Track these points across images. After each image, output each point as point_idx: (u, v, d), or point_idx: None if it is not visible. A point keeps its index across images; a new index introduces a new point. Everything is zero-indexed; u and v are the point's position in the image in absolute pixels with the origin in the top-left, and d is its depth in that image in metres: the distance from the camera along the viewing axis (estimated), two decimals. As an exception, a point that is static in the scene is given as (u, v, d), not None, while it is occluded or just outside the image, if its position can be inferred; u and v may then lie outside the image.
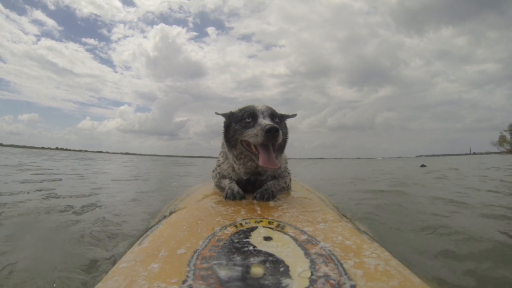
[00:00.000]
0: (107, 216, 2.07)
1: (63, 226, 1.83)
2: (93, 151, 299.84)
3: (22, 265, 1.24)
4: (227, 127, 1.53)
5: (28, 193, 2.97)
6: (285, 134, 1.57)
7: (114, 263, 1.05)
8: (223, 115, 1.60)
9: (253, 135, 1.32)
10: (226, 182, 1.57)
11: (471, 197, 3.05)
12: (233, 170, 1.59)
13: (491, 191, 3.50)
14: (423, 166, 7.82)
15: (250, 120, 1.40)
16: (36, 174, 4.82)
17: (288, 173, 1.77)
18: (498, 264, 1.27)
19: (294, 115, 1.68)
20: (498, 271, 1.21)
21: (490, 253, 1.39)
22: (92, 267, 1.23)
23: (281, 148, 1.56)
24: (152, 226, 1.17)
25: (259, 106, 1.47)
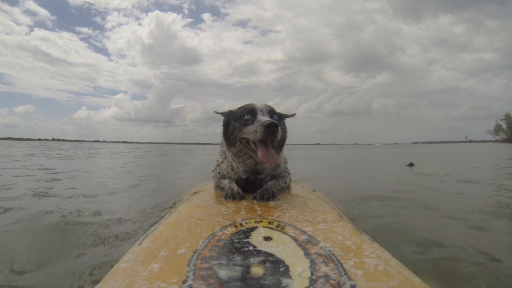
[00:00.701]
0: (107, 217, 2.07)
1: (65, 227, 1.83)
2: (90, 141, 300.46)
3: (22, 264, 1.24)
4: (226, 125, 1.53)
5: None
6: (284, 132, 1.57)
7: (114, 263, 1.05)
8: (222, 113, 1.60)
9: (252, 131, 1.32)
10: (225, 182, 1.57)
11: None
12: (232, 169, 1.59)
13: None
14: (411, 165, 6.67)
15: (249, 117, 1.41)
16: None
17: (288, 173, 1.77)
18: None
19: (293, 115, 1.69)
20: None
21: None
22: (92, 267, 1.23)
23: (280, 146, 1.56)
24: (152, 226, 1.17)
25: (258, 104, 1.47)
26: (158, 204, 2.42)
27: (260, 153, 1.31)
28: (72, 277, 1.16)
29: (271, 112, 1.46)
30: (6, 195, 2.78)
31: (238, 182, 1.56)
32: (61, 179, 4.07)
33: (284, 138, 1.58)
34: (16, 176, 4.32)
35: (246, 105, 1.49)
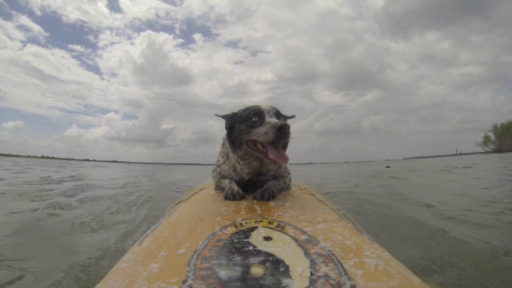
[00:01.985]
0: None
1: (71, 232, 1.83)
2: (80, 159, 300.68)
3: (22, 264, 1.24)
4: (231, 128, 1.51)
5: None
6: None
7: (114, 263, 1.05)
8: (224, 116, 1.57)
9: (262, 133, 1.30)
10: (226, 182, 1.56)
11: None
12: (234, 170, 1.58)
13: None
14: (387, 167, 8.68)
15: (256, 119, 1.39)
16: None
17: (288, 173, 1.77)
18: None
19: (293, 116, 1.68)
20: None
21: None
22: (92, 268, 1.23)
23: (285, 147, 1.55)
24: (152, 226, 1.17)
25: (264, 105, 1.46)
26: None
27: (272, 154, 1.30)
28: (72, 277, 1.16)
29: (278, 114, 1.45)
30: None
31: (239, 183, 1.56)
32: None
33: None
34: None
35: (251, 107, 1.46)
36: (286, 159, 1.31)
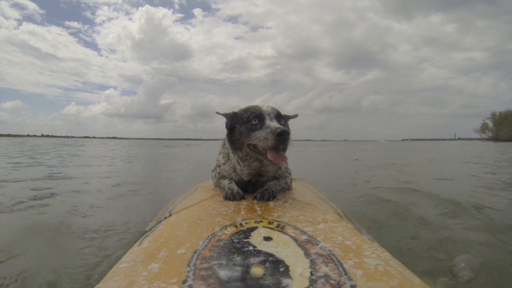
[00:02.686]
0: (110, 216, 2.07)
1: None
2: (80, 137, 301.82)
3: (23, 264, 1.24)
4: (231, 128, 1.49)
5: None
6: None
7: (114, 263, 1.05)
8: (225, 115, 1.55)
9: (262, 138, 1.30)
10: (225, 182, 1.56)
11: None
12: (234, 171, 1.58)
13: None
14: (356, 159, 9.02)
15: (256, 122, 1.37)
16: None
17: (289, 173, 1.76)
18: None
19: (295, 116, 1.66)
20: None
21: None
22: (92, 267, 1.23)
23: (284, 150, 1.55)
24: (152, 227, 1.17)
25: (265, 107, 1.44)
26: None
27: (270, 155, 1.30)
28: (72, 277, 1.16)
29: (278, 116, 1.44)
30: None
31: (239, 183, 1.55)
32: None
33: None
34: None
35: (252, 108, 1.44)
36: (284, 159, 1.32)
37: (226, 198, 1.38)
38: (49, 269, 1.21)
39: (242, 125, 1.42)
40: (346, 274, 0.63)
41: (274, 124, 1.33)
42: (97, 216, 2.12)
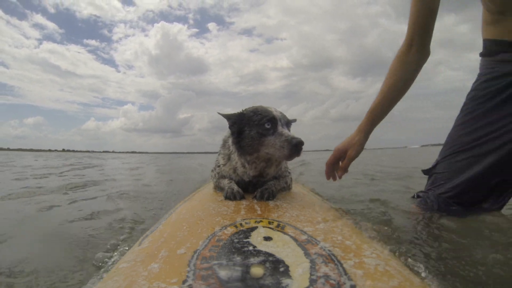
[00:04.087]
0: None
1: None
2: (99, 151, 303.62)
3: (21, 264, 1.24)
4: (239, 132, 1.42)
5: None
6: None
7: (114, 263, 1.05)
8: (230, 116, 1.48)
9: (278, 147, 1.28)
10: (225, 182, 1.56)
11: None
12: (234, 172, 1.57)
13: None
14: None
15: (269, 126, 1.33)
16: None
17: (289, 172, 1.77)
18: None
19: (294, 120, 1.64)
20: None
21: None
22: (92, 268, 1.23)
23: None
24: (152, 227, 1.18)
25: (274, 110, 1.40)
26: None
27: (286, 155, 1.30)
28: (72, 277, 1.16)
29: (288, 122, 1.42)
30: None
31: (239, 183, 1.54)
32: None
33: None
34: None
35: (262, 110, 1.39)
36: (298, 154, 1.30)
37: (226, 197, 1.38)
38: (49, 269, 1.22)
39: (252, 128, 1.36)
40: (346, 274, 0.63)
41: (287, 132, 1.31)
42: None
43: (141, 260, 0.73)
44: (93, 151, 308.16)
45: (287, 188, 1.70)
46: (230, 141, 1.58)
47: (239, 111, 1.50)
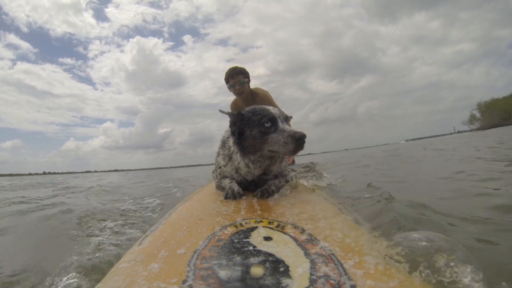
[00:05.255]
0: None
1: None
2: (81, 172, 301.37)
3: (20, 267, 1.24)
4: (240, 132, 1.43)
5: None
6: None
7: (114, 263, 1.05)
8: (230, 114, 1.49)
9: (282, 143, 1.29)
10: (226, 182, 1.56)
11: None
12: (237, 172, 1.55)
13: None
14: None
15: (269, 124, 1.35)
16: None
17: (289, 171, 1.76)
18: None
19: (290, 117, 1.65)
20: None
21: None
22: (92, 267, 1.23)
23: None
24: (152, 226, 1.17)
25: (271, 108, 1.42)
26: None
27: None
28: (72, 277, 1.16)
29: (287, 118, 1.43)
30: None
31: (241, 183, 1.53)
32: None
33: None
34: None
35: (261, 110, 1.41)
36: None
37: (226, 197, 1.37)
38: (49, 269, 1.22)
39: (253, 128, 1.37)
40: (346, 274, 0.63)
41: (288, 128, 1.32)
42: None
43: (141, 260, 0.73)
44: (75, 172, 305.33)
45: (290, 186, 1.69)
46: (230, 141, 1.56)
47: (238, 111, 1.50)
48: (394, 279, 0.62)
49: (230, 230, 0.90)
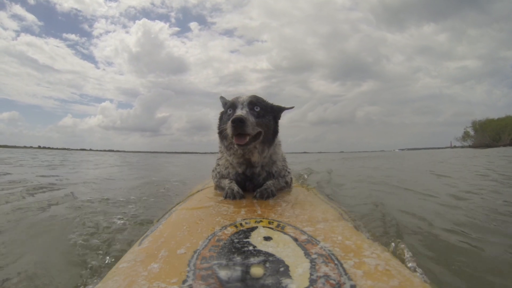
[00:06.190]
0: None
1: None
2: (76, 149, 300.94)
3: (22, 266, 1.24)
4: (220, 119, 1.57)
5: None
6: (269, 126, 1.49)
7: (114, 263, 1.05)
8: (223, 102, 1.63)
9: (228, 126, 1.35)
10: (226, 182, 1.56)
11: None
12: (231, 164, 1.60)
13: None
14: None
15: (231, 112, 1.44)
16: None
17: (288, 172, 1.76)
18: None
19: (291, 107, 1.65)
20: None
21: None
22: (92, 267, 1.23)
23: (268, 140, 1.51)
24: (152, 226, 1.17)
25: (243, 97, 1.49)
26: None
27: (234, 139, 1.36)
28: (72, 277, 1.15)
29: (251, 103, 1.45)
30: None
31: (236, 179, 1.57)
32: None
33: (271, 132, 1.51)
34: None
35: (233, 98, 1.53)
36: (241, 141, 1.33)
37: (226, 197, 1.38)
38: (49, 269, 1.21)
39: (225, 115, 1.51)
40: (346, 274, 0.63)
41: (240, 112, 1.37)
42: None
43: (141, 260, 0.73)
44: (70, 149, 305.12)
45: (287, 187, 1.70)
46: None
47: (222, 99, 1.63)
48: (394, 279, 0.62)
49: (230, 230, 0.90)
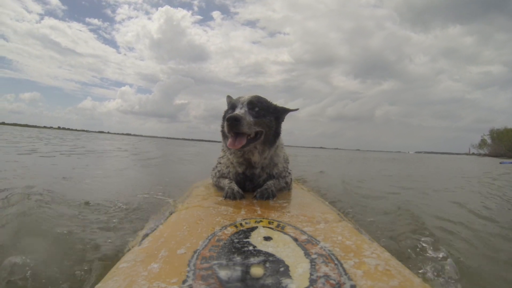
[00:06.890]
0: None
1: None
2: (95, 131, 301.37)
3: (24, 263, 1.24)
4: (224, 117, 1.58)
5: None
6: (270, 126, 1.48)
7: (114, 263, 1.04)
8: (228, 101, 1.65)
9: (224, 126, 1.37)
10: (225, 182, 1.56)
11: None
12: (231, 163, 1.61)
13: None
14: None
15: (231, 111, 1.45)
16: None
17: (289, 173, 1.76)
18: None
19: (296, 109, 1.64)
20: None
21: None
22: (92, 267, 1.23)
23: (269, 140, 1.50)
24: (152, 226, 1.17)
25: (245, 97, 1.50)
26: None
27: (228, 141, 1.37)
28: (72, 277, 1.15)
29: (251, 103, 1.44)
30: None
31: (236, 179, 1.57)
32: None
33: (272, 132, 1.50)
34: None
35: (235, 98, 1.55)
36: (235, 146, 1.34)
37: (226, 197, 1.38)
38: (48, 267, 1.21)
39: (227, 114, 1.51)
40: (346, 274, 0.63)
41: (238, 111, 1.38)
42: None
43: (141, 260, 0.73)
44: (89, 131, 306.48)
45: (287, 188, 1.70)
46: None
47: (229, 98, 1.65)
48: (394, 279, 0.63)
49: (230, 230, 0.90)
